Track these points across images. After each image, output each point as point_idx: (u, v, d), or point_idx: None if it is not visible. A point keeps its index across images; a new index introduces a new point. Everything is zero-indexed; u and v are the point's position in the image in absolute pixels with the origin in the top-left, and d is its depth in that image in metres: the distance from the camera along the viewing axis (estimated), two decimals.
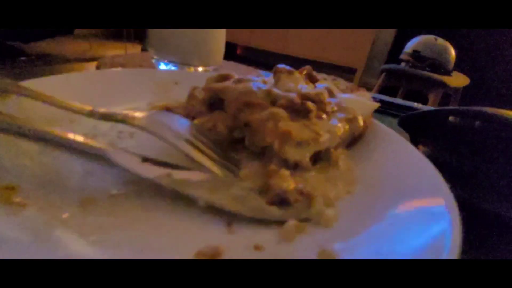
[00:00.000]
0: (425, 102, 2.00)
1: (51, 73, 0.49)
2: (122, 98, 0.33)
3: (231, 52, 3.99)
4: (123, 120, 0.21)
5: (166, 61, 0.46)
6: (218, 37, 0.48)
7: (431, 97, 1.90)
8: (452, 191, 0.19)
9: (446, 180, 0.28)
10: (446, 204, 0.18)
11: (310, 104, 0.25)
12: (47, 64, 0.54)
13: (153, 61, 0.48)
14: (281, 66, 0.30)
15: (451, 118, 0.32)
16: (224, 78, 0.30)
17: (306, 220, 0.19)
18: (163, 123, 0.21)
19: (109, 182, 0.20)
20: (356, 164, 0.27)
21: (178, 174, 0.20)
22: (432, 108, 0.33)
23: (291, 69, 0.30)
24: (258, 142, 0.23)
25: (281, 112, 0.24)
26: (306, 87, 0.29)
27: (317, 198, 0.20)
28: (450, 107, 0.34)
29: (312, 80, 0.33)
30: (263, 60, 4.13)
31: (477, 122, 0.29)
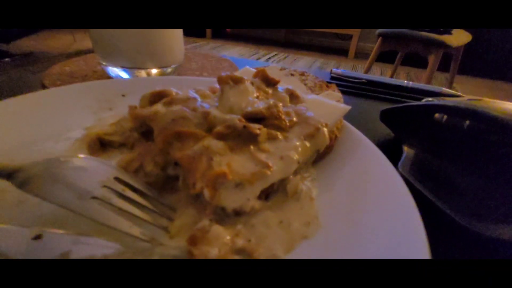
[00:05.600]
0: (425, 65, 1.90)
1: (38, 72, 0.45)
2: (55, 124, 0.28)
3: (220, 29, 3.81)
4: (6, 175, 0.17)
5: (115, 66, 0.40)
6: (173, 30, 0.42)
7: (431, 59, 1.79)
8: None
9: (429, 191, 0.24)
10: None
11: (254, 128, 0.20)
12: (31, 63, 0.51)
13: (102, 66, 0.42)
14: (224, 74, 0.24)
15: (437, 115, 0.27)
16: (160, 96, 0.25)
17: None
18: (60, 179, 0.17)
19: None
20: (320, 185, 0.23)
21: (80, 250, 0.16)
22: (415, 103, 0.28)
23: (238, 76, 0.25)
24: (189, 187, 0.19)
25: (216, 144, 0.19)
26: (255, 101, 0.24)
27: (259, 257, 0.16)
28: (436, 101, 0.29)
29: (270, 83, 0.28)
30: (256, 33, 3.93)
31: (467, 122, 0.24)
